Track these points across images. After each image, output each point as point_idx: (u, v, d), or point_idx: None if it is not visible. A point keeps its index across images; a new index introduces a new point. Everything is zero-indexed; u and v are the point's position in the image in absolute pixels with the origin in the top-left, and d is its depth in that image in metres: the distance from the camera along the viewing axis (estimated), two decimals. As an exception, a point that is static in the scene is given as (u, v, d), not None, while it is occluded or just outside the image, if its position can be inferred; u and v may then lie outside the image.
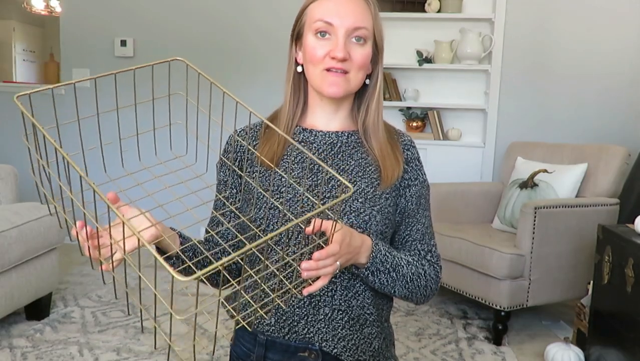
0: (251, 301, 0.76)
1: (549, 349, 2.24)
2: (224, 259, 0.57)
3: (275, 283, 0.90)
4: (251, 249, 0.60)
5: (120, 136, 0.81)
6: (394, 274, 0.99)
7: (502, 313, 2.47)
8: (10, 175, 2.69)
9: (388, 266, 0.98)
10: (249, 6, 3.70)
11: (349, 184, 0.69)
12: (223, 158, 1.09)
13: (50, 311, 2.64)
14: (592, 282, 2.22)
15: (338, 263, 0.83)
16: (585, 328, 2.27)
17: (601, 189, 2.71)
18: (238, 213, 0.96)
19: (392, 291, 1.01)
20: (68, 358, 2.21)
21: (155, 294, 0.60)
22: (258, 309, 0.76)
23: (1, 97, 3.87)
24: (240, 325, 0.97)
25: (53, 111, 0.71)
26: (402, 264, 1.01)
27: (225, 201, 1.06)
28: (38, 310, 2.56)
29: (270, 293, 0.79)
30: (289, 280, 0.87)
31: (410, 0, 3.73)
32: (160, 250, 0.93)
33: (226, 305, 1.07)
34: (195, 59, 3.72)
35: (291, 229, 0.98)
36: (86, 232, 0.78)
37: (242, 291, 0.87)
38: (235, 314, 0.76)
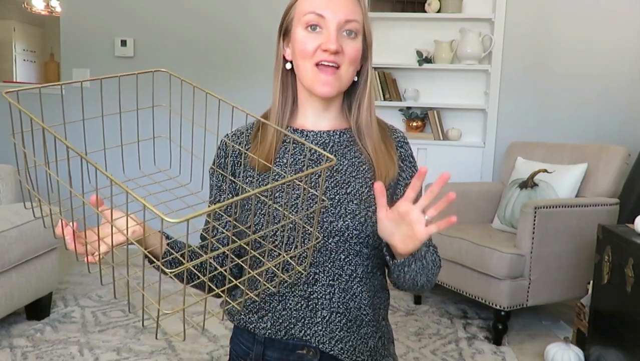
0: (236, 282, 0.76)
1: (549, 349, 2.24)
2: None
3: (265, 270, 0.90)
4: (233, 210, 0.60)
5: (105, 145, 0.81)
6: (424, 262, 0.96)
7: (502, 313, 2.47)
8: (10, 175, 2.69)
9: (423, 253, 0.96)
10: (249, 6, 3.70)
11: (331, 156, 0.70)
12: (214, 167, 1.07)
13: (50, 311, 2.64)
14: (592, 282, 2.22)
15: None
16: (585, 328, 2.27)
17: (601, 189, 2.71)
18: (232, 220, 0.96)
19: (416, 280, 0.97)
20: (68, 357, 2.21)
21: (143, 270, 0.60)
22: (247, 291, 0.76)
23: (1, 97, 3.87)
24: (229, 305, 0.97)
25: (40, 112, 0.72)
26: (427, 253, 0.99)
27: (221, 211, 1.05)
28: (38, 309, 2.56)
29: (262, 280, 0.80)
30: (277, 266, 0.87)
31: (410, 0, 3.73)
32: (150, 253, 0.93)
33: (213, 287, 1.06)
34: (195, 59, 3.75)
35: (281, 223, 0.97)
36: (72, 229, 0.78)
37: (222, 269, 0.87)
38: (222, 295, 0.76)
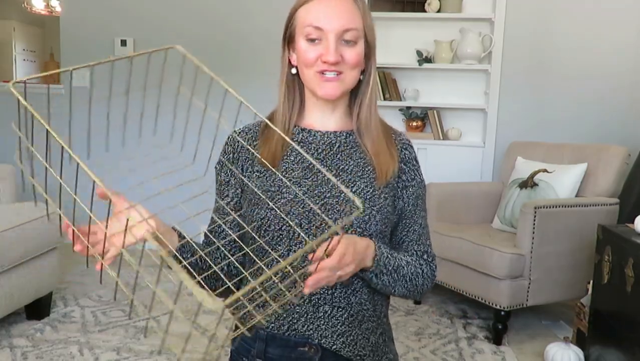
0: (247, 303, 0.76)
1: (549, 349, 2.24)
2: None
3: (273, 289, 0.90)
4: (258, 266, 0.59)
5: (108, 129, 0.79)
6: (396, 275, 1.01)
7: (502, 313, 2.47)
8: (10, 175, 2.69)
9: (390, 268, 1.00)
10: (249, 6, 3.70)
11: (359, 203, 0.64)
12: (223, 160, 1.09)
13: (50, 311, 2.64)
14: (592, 282, 2.22)
15: (338, 273, 0.86)
16: (585, 328, 2.27)
17: (601, 189, 2.71)
18: (237, 217, 0.96)
19: (393, 290, 1.04)
20: (68, 357, 2.21)
21: (154, 293, 0.59)
22: (254, 313, 0.76)
23: (1, 97, 3.87)
24: (239, 331, 0.97)
25: (47, 110, 0.71)
26: (403, 265, 1.03)
27: (225, 205, 1.05)
28: (38, 309, 2.56)
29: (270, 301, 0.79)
30: (288, 289, 0.87)
31: (410, 0, 3.73)
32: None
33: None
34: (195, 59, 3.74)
35: (296, 243, 0.98)
36: (73, 229, 0.76)
37: (242, 298, 0.87)
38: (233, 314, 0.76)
